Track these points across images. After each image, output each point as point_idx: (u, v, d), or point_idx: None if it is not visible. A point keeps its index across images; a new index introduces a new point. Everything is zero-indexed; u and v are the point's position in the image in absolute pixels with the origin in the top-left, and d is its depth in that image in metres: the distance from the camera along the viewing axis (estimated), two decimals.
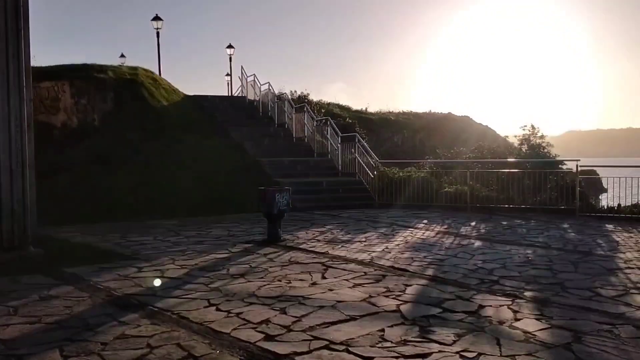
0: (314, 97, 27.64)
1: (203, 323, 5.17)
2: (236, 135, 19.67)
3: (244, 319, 5.28)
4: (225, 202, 14.55)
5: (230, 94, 32.27)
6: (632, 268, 7.61)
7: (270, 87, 23.16)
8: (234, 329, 4.98)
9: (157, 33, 30.92)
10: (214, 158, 16.81)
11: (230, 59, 36.94)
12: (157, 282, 6.81)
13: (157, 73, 25.06)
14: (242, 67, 28.02)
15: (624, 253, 8.80)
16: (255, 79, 24.57)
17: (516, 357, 4.30)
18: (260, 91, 24.17)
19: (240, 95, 27.21)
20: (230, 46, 36.79)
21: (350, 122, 23.71)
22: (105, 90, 18.57)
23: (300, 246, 9.47)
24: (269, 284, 6.69)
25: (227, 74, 38.04)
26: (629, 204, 13.76)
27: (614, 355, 4.32)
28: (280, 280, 6.89)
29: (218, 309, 5.64)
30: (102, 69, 19.52)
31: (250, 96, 25.26)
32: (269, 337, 4.77)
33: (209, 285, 6.65)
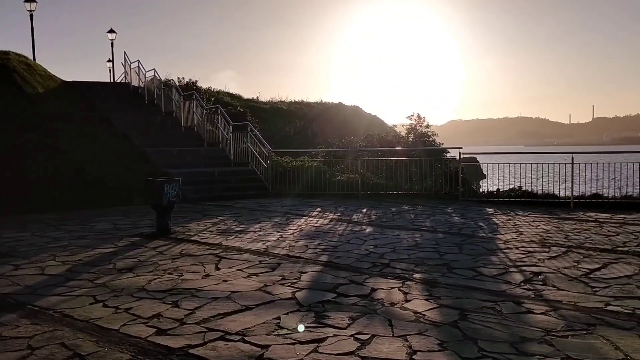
0: (203, 84, 27.00)
1: (89, 320, 4.89)
2: (120, 124, 18.72)
3: (133, 314, 5.04)
4: (110, 195, 13.88)
5: (112, 81, 30.76)
6: (511, 248, 8.12)
7: (156, 74, 22.32)
8: (123, 325, 4.75)
9: (31, 15, 28.76)
10: (96, 149, 15.94)
11: (112, 44, 35.25)
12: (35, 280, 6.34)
13: (32, 58, 23.34)
14: (125, 52, 26.87)
15: (503, 234, 9.37)
16: (140, 65, 23.57)
17: (407, 336, 4.42)
18: (145, 78, 23.20)
19: (123, 82, 25.99)
20: (111, 31, 35.06)
21: (241, 111, 23.44)
22: None
23: (192, 238, 9.22)
24: (159, 278, 6.44)
25: (109, 60, 36.30)
26: (507, 188, 14.70)
27: (497, 330, 4.57)
28: (171, 274, 6.66)
29: (105, 305, 5.35)
30: None
31: (135, 83, 24.20)
32: (161, 332, 4.59)
33: (95, 281, 6.30)
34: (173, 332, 4.58)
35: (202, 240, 8.96)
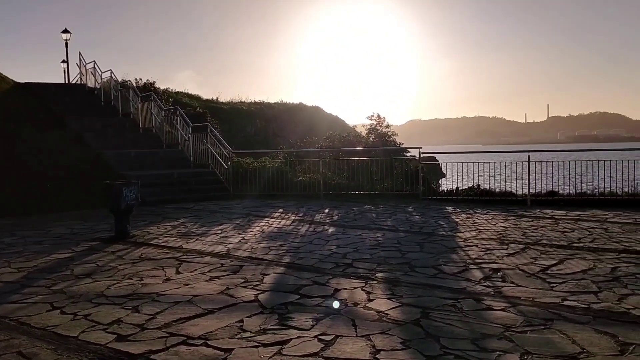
0: (161, 85, 26.60)
1: (46, 328, 4.75)
2: (76, 127, 18.31)
3: (92, 321, 4.93)
4: (66, 199, 13.54)
5: (67, 82, 30.02)
6: (471, 246, 8.25)
7: (113, 75, 21.91)
8: (82, 332, 4.63)
9: None
10: (51, 152, 15.55)
11: (67, 44, 34.39)
12: None
13: None
14: (80, 53, 26.16)
15: (462, 232, 9.52)
16: (96, 66, 23.11)
17: (371, 336, 4.44)
18: (101, 79, 22.76)
19: (79, 83, 25.39)
20: (65, 31, 34.21)
21: (201, 112, 23.19)
22: None
23: (152, 242, 9.07)
24: (118, 283, 6.32)
25: (64, 61, 35.37)
26: (466, 187, 14.95)
27: (458, 328, 4.63)
28: (131, 278, 6.54)
29: (63, 312, 5.22)
30: None
31: (91, 84, 23.71)
32: (121, 338, 4.50)
33: (51, 288, 6.13)
34: (134, 338, 4.49)
35: (162, 244, 8.83)
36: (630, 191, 13.23)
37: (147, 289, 6.01)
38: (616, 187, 13.47)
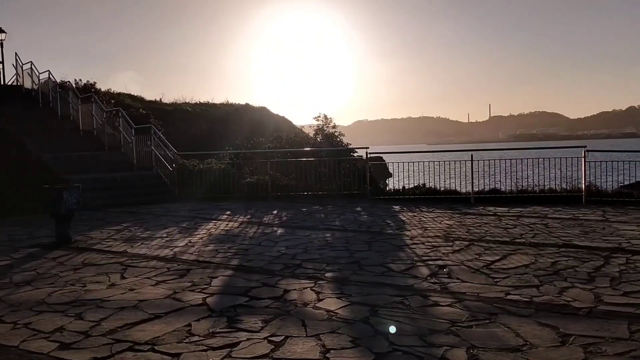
0: (102, 86, 25.83)
1: None
2: (13, 129, 17.58)
3: (34, 329, 4.75)
4: (4, 205, 12.98)
5: (3, 84, 28.85)
6: (417, 244, 8.39)
7: (51, 76, 21.18)
8: (23, 341, 4.46)
9: None
10: None
11: (2, 44, 33.04)
12: None
13: None
14: (16, 53, 25.19)
15: (409, 231, 9.66)
16: (33, 67, 22.30)
17: (321, 335, 4.45)
18: (39, 80, 21.96)
19: (15, 84, 24.44)
20: (1, 30, 32.87)
21: (144, 113, 22.68)
22: None
23: (95, 247, 8.82)
24: (60, 290, 6.11)
25: None
26: (412, 186, 15.19)
27: (406, 324, 4.69)
28: (73, 285, 6.33)
29: (2, 321, 5.01)
30: None
31: (28, 85, 22.84)
32: (64, 346, 4.35)
33: None
34: (77, 346, 4.35)
35: (106, 249, 8.59)
36: (568, 187, 13.75)
37: (90, 295, 5.84)
38: (555, 184, 13.96)
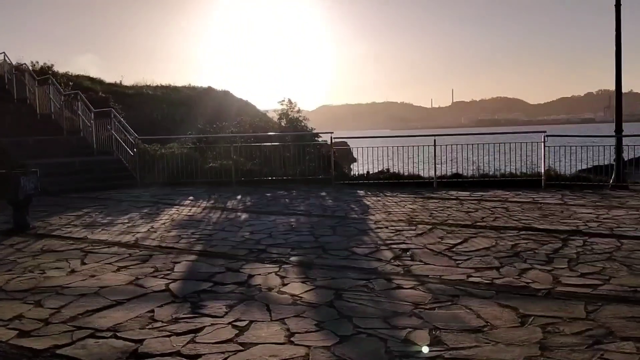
0: (59, 69, 25.11)
1: None
2: None
3: None
4: None
5: None
6: (381, 228, 8.45)
7: (6, 58, 20.51)
8: None
9: None
10: None
11: None
12: None
13: None
14: None
15: (374, 215, 9.73)
16: None
17: (285, 320, 4.45)
18: None
19: None
20: None
21: (104, 97, 22.14)
22: None
23: (54, 233, 8.62)
24: (19, 277, 5.96)
25: None
26: (376, 171, 15.28)
27: (370, 307, 4.73)
28: (32, 271, 6.18)
29: None
30: None
31: None
32: (24, 334, 4.25)
33: None
34: (37, 333, 4.26)
35: (66, 235, 8.41)
36: (528, 172, 14.03)
37: (50, 282, 5.71)
38: (516, 169, 14.24)
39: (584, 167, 14.62)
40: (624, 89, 14.06)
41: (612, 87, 13.81)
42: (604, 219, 8.82)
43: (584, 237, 7.38)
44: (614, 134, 13.59)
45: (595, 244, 6.98)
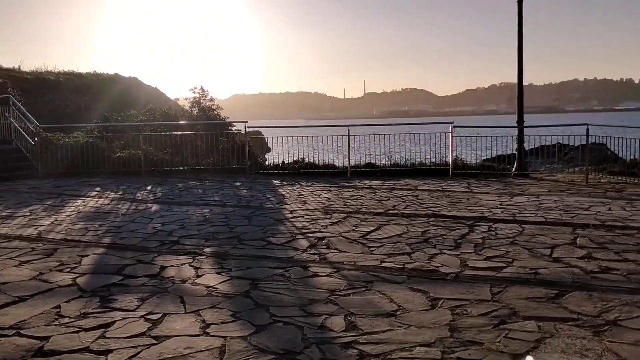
0: None
1: None
2: None
3: None
4: None
5: None
6: (297, 217, 8.48)
7: None
8: None
9: None
10: None
11: None
12: None
13: None
14: None
15: (289, 204, 9.74)
16: None
17: (200, 311, 4.38)
18: None
19: None
20: None
21: (1, 82, 20.78)
22: None
23: None
24: None
25: None
26: (291, 161, 15.31)
27: (286, 296, 4.74)
28: None
29: None
30: None
31: None
32: None
33: None
34: None
35: None
36: (437, 161, 14.55)
37: None
38: (425, 158, 14.71)
39: (489, 156, 15.35)
40: (525, 82, 14.84)
41: (514, 80, 14.56)
42: (507, 205, 9.30)
43: (489, 223, 7.76)
44: (515, 125, 14.35)
45: (499, 229, 7.35)
